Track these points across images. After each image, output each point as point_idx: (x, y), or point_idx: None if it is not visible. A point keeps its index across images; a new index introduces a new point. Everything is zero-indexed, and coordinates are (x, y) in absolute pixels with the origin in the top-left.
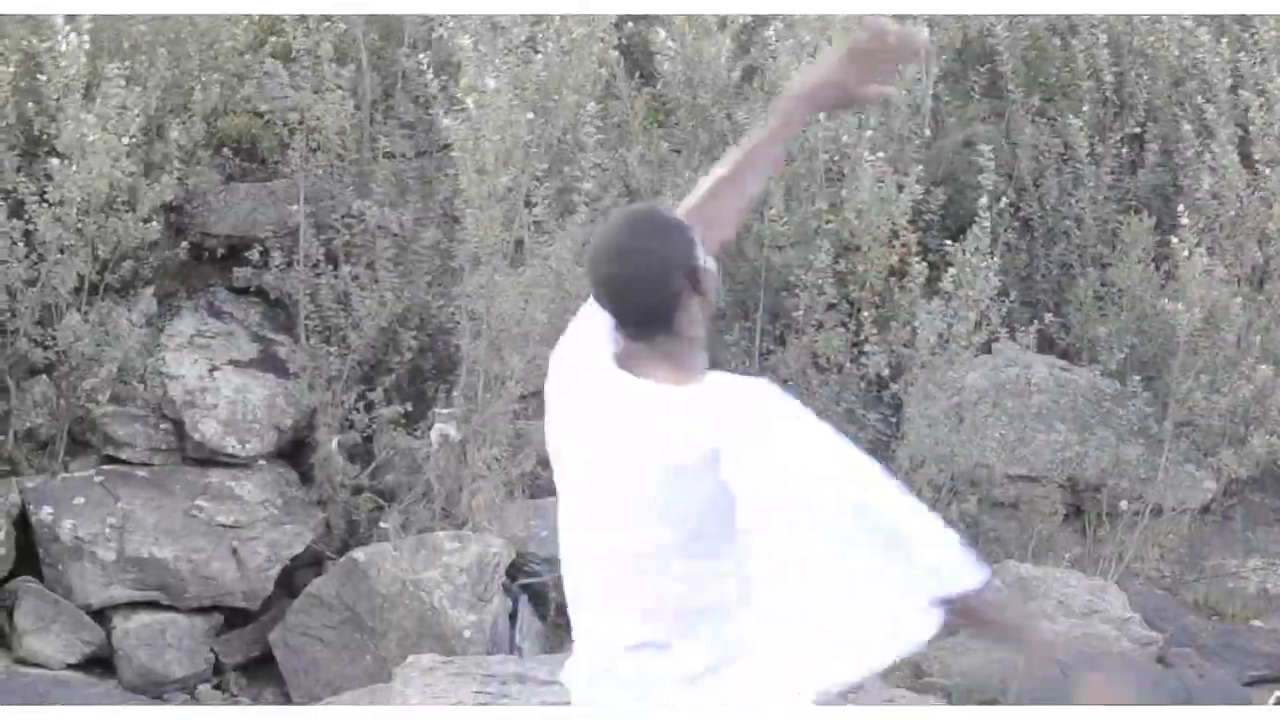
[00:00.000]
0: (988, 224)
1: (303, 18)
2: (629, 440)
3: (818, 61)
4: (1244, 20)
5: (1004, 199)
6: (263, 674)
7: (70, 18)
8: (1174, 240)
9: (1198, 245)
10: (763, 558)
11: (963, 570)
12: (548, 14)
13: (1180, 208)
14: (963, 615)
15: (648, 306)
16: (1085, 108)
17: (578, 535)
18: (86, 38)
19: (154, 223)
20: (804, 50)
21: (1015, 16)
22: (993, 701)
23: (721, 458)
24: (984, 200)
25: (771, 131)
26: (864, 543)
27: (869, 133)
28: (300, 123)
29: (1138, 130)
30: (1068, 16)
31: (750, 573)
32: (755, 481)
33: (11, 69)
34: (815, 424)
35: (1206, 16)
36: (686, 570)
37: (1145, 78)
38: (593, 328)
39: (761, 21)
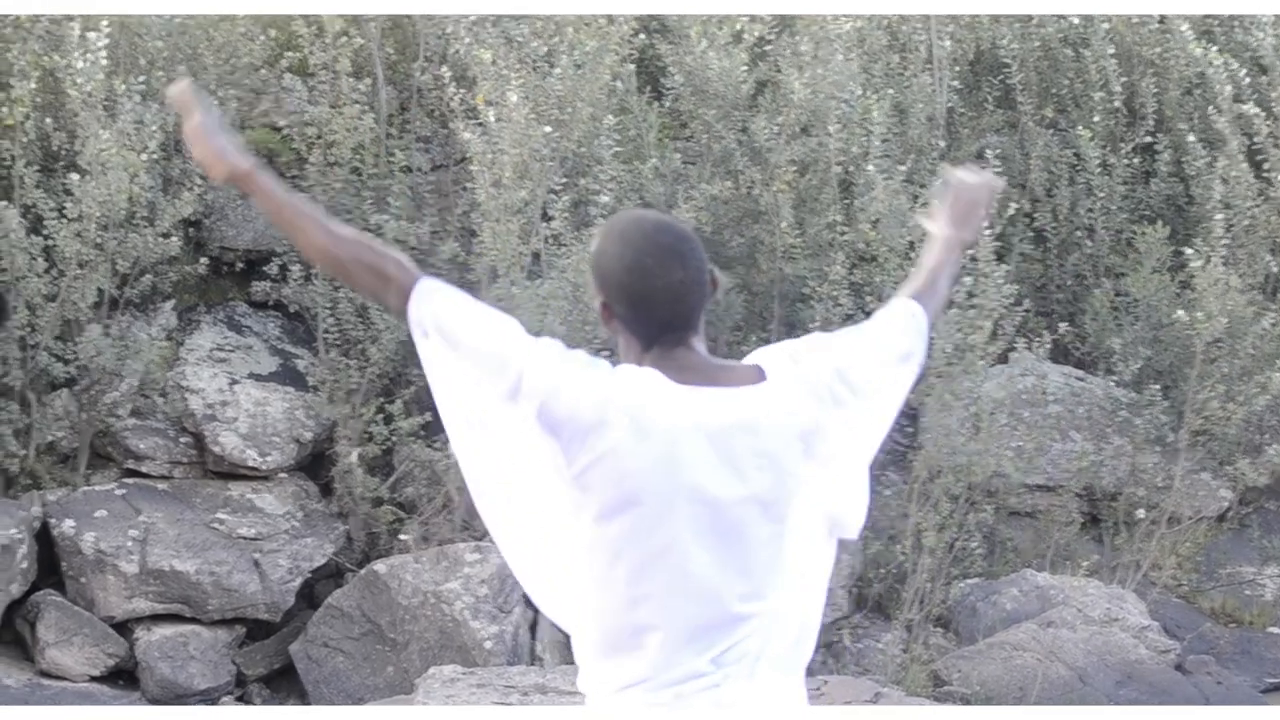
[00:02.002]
0: (996, 232)
1: (320, 33)
2: (774, 450)
3: (931, 222)
4: (1245, 26)
5: (1016, 209)
6: (284, 685)
7: (84, 36)
8: (1189, 250)
9: (1212, 255)
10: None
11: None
12: (562, 28)
13: (1195, 217)
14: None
15: (696, 309)
16: (1096, 118)
17: (691, 562)
18: (103, 54)
19: (173, 238)
20: (813, 62)
21: (1026, 28)
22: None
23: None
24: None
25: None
26: None
27: (881, 142)
28: (318, 137)
29: (1149, 140)
30: (1078, 27)
31: None
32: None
33: (31, 85)
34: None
35: (1208, 23)
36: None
37: (1155, 88)
38: (600, 371)
39: (774, 34)
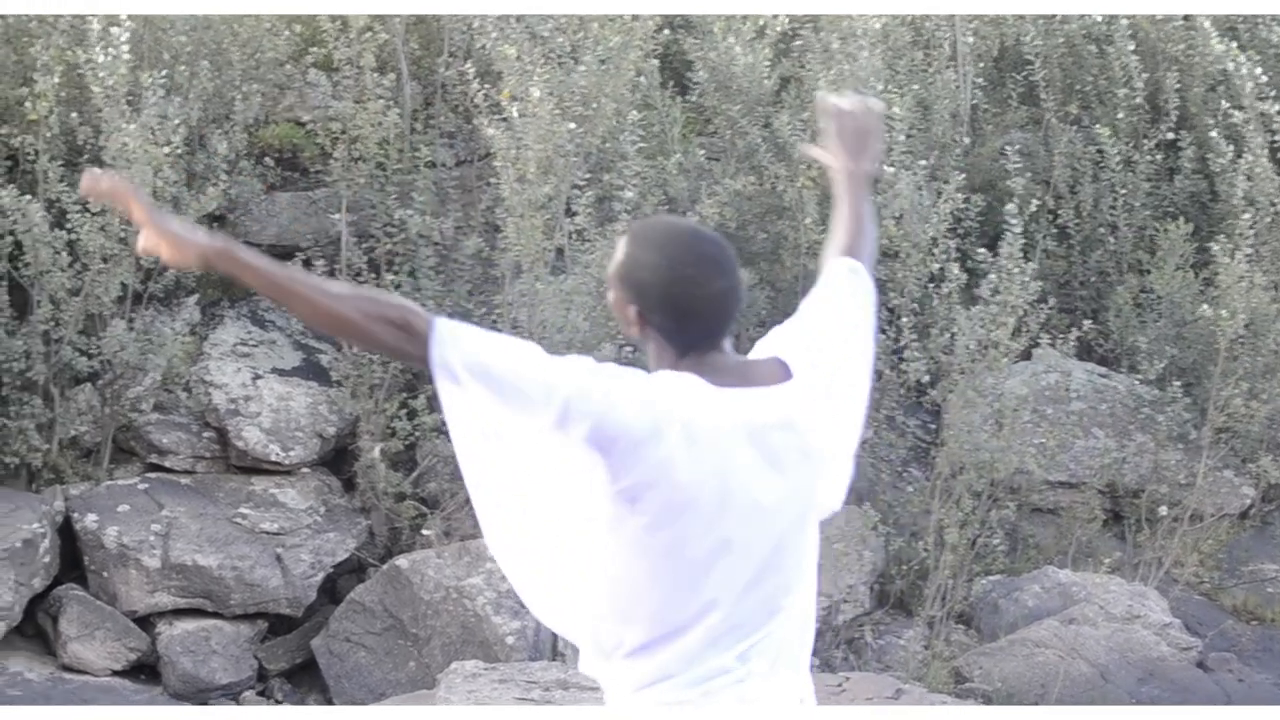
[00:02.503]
0: (1019, 228)
1: (344, 28)
2: (810, 445)
3: (828, 158)
4: (1268, 24)
5: (1038, 205)
6: (306, 680)
7: (106, 29)
8: (1215, 247)
9: (1236, 251)
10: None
11: None
12: (587, 24)
13: (1218, 214)
14: None
15: (735, 316)
16: (1120, 114)
17: (739, 562)
18: (125, 48)
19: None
20: (837, 57)
21: (1050, 24)
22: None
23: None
24: (1011, 206)
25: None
26: None
27: (905, 138)
28: (342, 132)
29: (1173, 137)
30: (1101, 23)
31: None
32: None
33: (55, 80)
34: None
35: (1232, 20)
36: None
37: (1178, 85)
38: (643, 382)
39: (797, 30)
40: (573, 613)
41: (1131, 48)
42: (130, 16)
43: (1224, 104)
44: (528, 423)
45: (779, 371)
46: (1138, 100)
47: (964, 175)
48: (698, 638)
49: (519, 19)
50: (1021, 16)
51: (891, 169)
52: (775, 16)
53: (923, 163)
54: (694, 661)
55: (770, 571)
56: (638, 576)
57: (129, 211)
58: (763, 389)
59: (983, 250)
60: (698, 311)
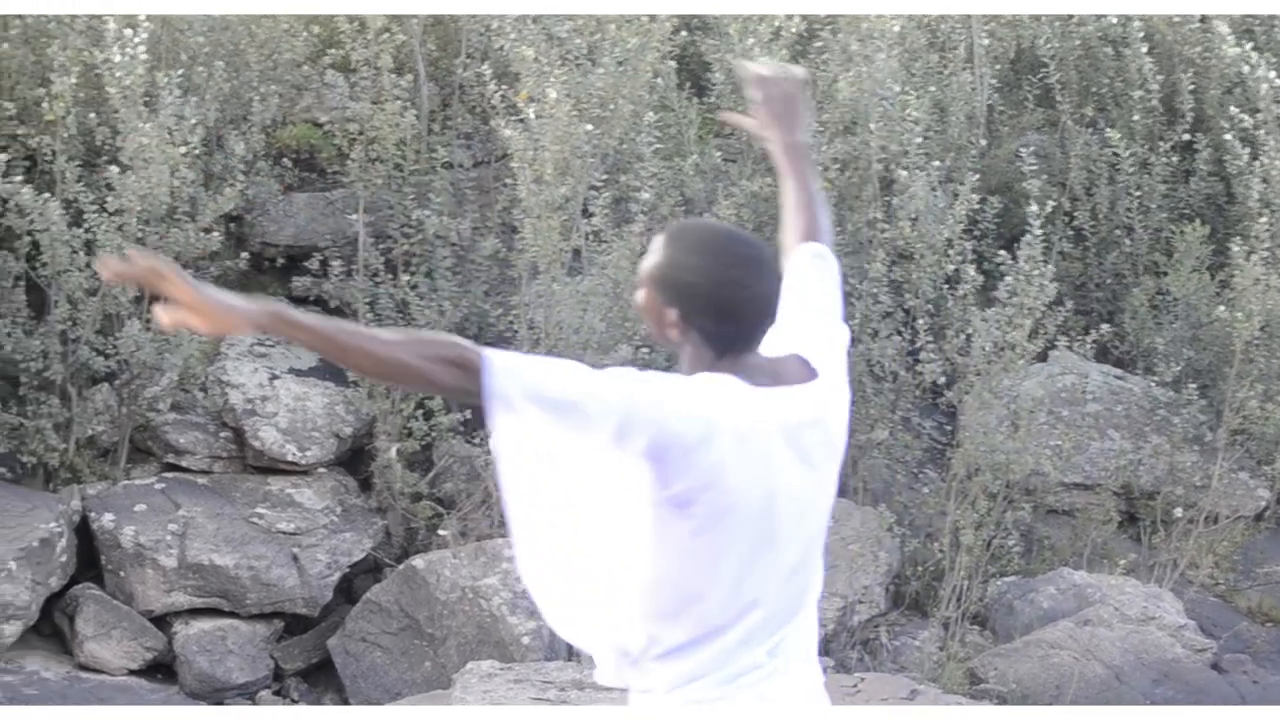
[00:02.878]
0: (1039, 231)
1: (362, 29)
2: (835, 441)
3: (760, 131)
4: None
5: (1054, 207)
6: (322, 680)
7: (122, 30)
8: (1232, 249)
9: (1252, 254)
10: None
11: None
12: (604, 25)
13: (1235, 216)
14: None
15: (775, 316)
16: (1135, 117)
17: (779, 560)
18: (142, 48)
19: (214, 233)
20: (856, 59)
21: (1067, 26)
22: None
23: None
24: (1033, 208)
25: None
26: None
27: (920, 141)
28: (359, 133)
29: (1189, 139)
30: (1118, 25)
31: None
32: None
33: (72, 80)
34: None
35: (1248, 22)
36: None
37: (1194, 87)
38: (690, 388)
39: (813, 31)
40: (597, 623)
41: (1146, 50)
42: (149, 17)
43: (1238, 108)
44: (584, 441)
45: (804, 370)
46: (1153, 103)
47: (978, 177)
48: (735, 636)
49: (536, 20)
50: (1038, 19)
51: (905, 171)
52: (790, 18)
53: (936, 163)
54: (729, 659)
55: (801, 567)
56: (682, 579)
57: (169, 291)
58: (794, 388)
59: (1002, 252)
60: (743, 313)
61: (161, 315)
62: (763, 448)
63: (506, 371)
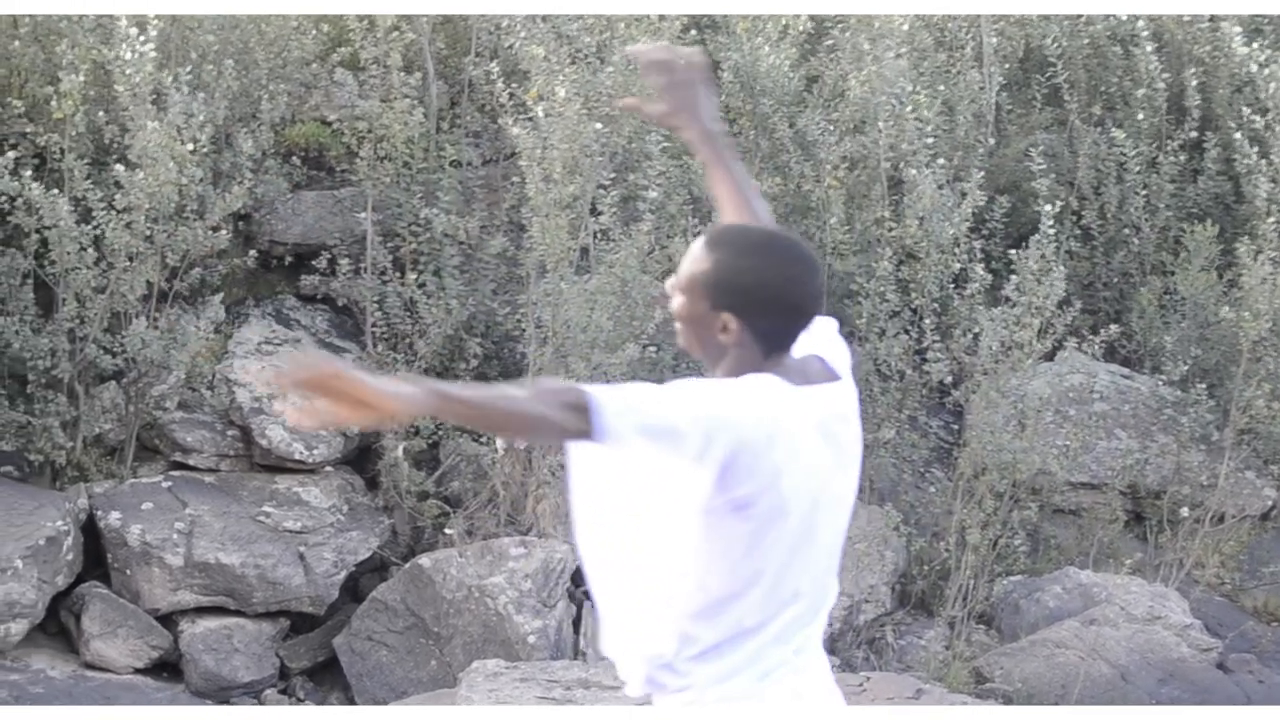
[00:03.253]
0: (1052, 230)
1: (371, 27)
2: (859, 439)
3: (669, 120)
4: None
5: (1062, 206)
6: (328, 679)
7: (132, 26)
8: (1240, 248)
9: (1260, 253)
10: None
11: None
12: (614, 24)
13: (1243, 216)
14: None
15: None
16: (1140, 115)
17: (813, 557)
18: (151, 47)
19: (223, 231)
20: (865, 57)
21: (1075, 25)
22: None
23: None
24: (1048, 208)
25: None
26: None
27: (929, 140)
28: (368, 131)
29: (1198, 138)
30: (1126, 23)
31: None
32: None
33: (81, 78)
34: None
35: (1257, 21)
36: None
37: (1203, 86)
38: (744, 392)
39: (821, 29)
40: (637, 628)
41: (1155, 49)
42: (158, 16)
43: (1252, 104)
44: (675, 460)
45: (826, 369)
46: (1159, 102)
47: (983, 174)
48: (770, 633)
49: (545, 19)
50: (1047, 18)
51: (915, 170)
52: (797, 17)
53: (941, 161)
54: (762, 656)
55: (829, 564)
56: (727, 579)
57: (347, 390)
58: (824, 386)
59: (1014, 251)
60: (804, 310)
61: (303, 416)
62: (808, 446)
63: (621, 409)
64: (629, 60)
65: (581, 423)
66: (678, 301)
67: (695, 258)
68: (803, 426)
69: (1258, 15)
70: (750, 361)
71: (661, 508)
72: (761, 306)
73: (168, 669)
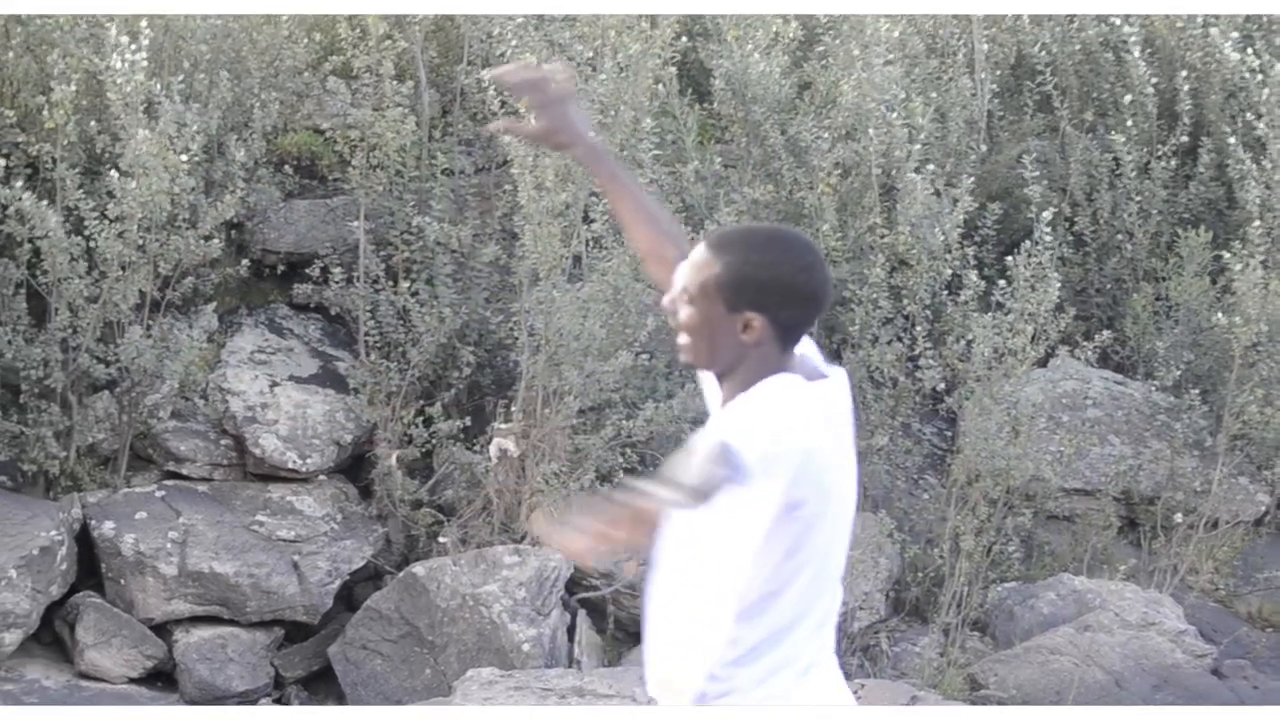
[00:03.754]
0: (1049, 237)
1: (363, 36)
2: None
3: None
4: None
5: (1054, 212)
6: (322, 688)
7: (123, 35)
8: (1227, 255)
9: (1251, 259)
10: None
11: None
12: (605, 32)
13: (1235, 221)
14: None
15: None
16: (1131, 121)
17: (839, 546)
18: (143, 55)
19: (215, 240)
20: (856, 63)
21: (1067, 31)
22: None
23: None
24: (1046, 214)
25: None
26: None
27: (920, 147)
28: (360, 140)
29: (1190, 143)
30: (1118, 28)
31: None
32: None
33: (73, 87)
34: None
35: (1248, 26)
36: None
37: (1195, 91)
38: (785, 403)
39: (811, 35)
40: (682, 644)
41: (1147, 53)
42: (150, 24)
43: (1245, 110)
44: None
45: (816, 367)
46: (1149, 108)
47: (973, 180)
48: (806, 628)
49: (538, 27)
50: (1039, 24)
51: (911, 175)
52: (787, 22)
53: (930, 167)
54: (800, 652)
55: (844, 559)
56: (771, 578)
57: (640, 523)
58: (826, 381)
59: (1009, 258)
60: (820, 297)
61: (572, 542)
62: (834, 448)
63: (754, 463)
64: (497, 82)
65: (729, 471)
66: (685, 313)
67: (701, 264)
68: (829, 425)
69: (1250, 18)
70: (771, 360)
71: (723, 522)
72: (781, 298)
73: (162, 679)
